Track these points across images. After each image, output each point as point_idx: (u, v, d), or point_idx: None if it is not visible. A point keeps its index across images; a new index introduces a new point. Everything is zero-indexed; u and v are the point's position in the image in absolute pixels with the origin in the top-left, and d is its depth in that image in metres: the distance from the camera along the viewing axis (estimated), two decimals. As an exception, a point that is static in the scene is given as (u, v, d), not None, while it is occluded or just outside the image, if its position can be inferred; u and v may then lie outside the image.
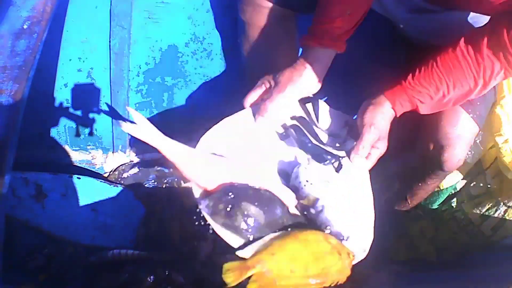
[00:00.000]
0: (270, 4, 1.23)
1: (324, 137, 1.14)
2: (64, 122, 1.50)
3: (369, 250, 1.04)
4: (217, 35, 1.46)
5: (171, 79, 1.53)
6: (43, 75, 1.37)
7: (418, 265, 1.58)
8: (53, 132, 1.51)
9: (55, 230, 1.42)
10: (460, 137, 1.20)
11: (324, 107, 1.18)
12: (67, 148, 1.55)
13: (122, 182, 1.56)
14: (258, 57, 1.32)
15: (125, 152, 1.60)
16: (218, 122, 1.10)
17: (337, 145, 1.11)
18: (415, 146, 1.33)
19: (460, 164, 1.23)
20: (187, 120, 1.58)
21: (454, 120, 1.19)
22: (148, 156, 1.61)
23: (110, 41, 1.38)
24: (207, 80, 1.54)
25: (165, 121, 1.56)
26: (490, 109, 1.31)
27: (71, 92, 1.44)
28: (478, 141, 1.40)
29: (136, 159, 1.61)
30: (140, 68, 1.48)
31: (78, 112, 1.48)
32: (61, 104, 1.46)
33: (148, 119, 1.52)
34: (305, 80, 1.12)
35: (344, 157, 1.08)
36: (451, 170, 1.27)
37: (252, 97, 1.12)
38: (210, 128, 1.07)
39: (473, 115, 1.20)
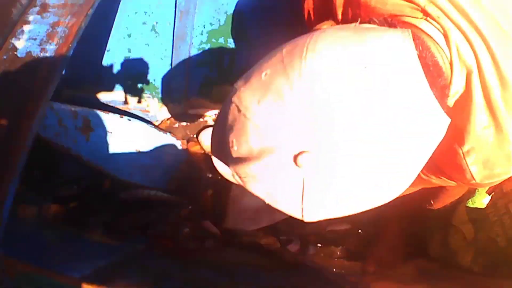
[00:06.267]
0: None
1: None
2: (124, 68, 1.55)
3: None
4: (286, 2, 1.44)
5: (233, 42, 1.55)
6: (107, 23, 1.44)
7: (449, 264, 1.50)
8: (112, 76, 1.57)
9: (95, 161, 1.46)
10: None
11: None
12: (123, 93, 1.60)
13: (171, 131, 1.63)
14: None
15: (180, 104, 1.65)
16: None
17: None
18: None
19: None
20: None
21: None
22: (201, 111, 1.68)
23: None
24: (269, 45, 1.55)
25: (223, 82, 1.61)
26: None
27: (134, 42, 1.51)
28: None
29: (190, 112, 1.67)
30: (204, 27, 1.51)
31: (139, 61, 1.54)
32: (122, 51, 1.52)
33: (206, 77, 1.56)
34: None
35: None
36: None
37: None
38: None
39: None
